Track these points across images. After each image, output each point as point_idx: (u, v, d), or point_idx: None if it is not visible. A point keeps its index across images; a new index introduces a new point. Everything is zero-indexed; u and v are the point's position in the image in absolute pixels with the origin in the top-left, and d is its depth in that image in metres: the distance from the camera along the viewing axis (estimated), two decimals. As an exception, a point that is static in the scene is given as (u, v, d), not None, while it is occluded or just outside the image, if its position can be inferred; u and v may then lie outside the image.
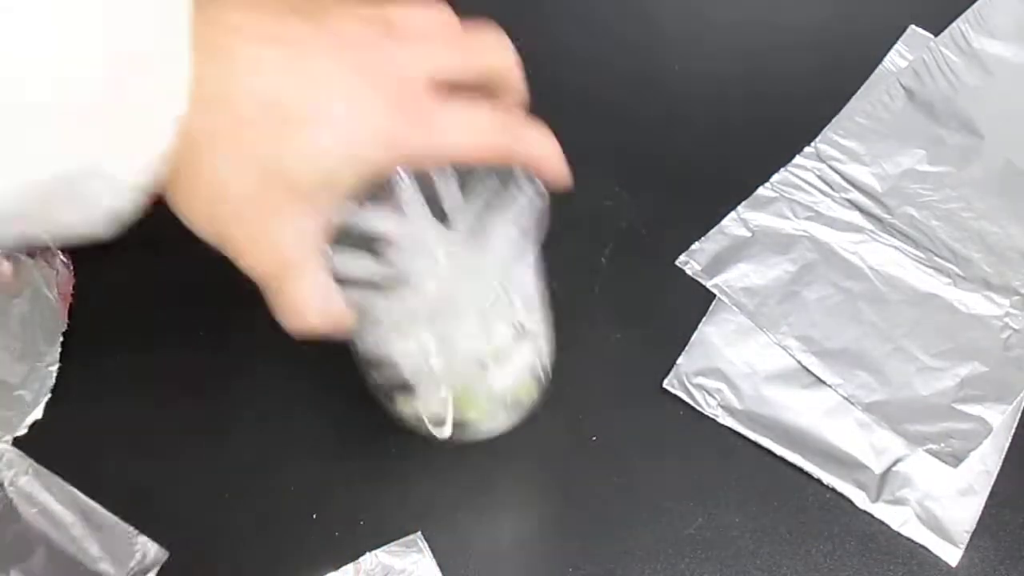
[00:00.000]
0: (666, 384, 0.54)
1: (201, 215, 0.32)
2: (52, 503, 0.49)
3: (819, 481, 0.51)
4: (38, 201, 0.28)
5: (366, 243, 0.40)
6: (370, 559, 0.47)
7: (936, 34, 0.69)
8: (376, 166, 0.33)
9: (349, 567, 0.47)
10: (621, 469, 0.52)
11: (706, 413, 0.53)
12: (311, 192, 0.32)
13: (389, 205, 0.39)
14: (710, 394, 0.54)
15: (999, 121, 0.64)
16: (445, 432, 0.47)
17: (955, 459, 0.51)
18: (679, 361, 0.55)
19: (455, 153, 0.35)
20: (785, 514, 0.50)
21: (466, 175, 0.40)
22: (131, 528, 0.48)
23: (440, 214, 0.41)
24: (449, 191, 0.40)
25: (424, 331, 0.40)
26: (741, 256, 0.59)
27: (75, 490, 0.49)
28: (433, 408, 0.47)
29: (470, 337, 0.44)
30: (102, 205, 0.30)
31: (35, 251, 0.57)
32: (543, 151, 0.39)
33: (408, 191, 0.39)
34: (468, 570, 0.48)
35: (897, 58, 0.68)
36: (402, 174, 0.38)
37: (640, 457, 0.52)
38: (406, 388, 0.47)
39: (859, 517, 0.50)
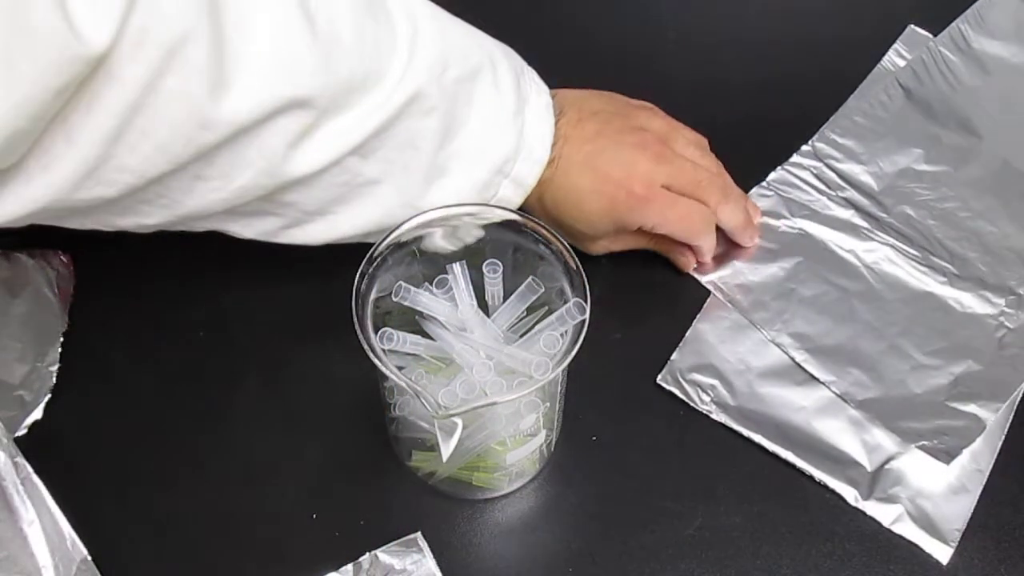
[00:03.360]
0: (660, 380, 0.54)
1: (543, 208, 0.56)
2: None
3: (811, 478, 0.51)
4: (478, 188, 0.52)
5: (418, 323, 0.47)
6: (370, 559, 0.47)
7: (935, 34, 0.69)
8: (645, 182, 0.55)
9: (349, 567, 0.47)
10: (621, 469, 0.52)
11: (699, 409, 0.53)
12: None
13: (443, 294, 0.47)
14: (704, 390, 0.54)
15: (997, 121, 0.64)
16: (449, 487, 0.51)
17: (948, 455, 0.52)
18: (673, 357, 0.55)
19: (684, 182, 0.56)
20: (785, 514, 0.50)
21: (515, 279, 0.47)
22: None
23: (485, 308, 0.48)
24: (495, 290, 0.47)
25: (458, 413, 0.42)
26: (736, 253, 0.60)
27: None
28: (444, 471, 0.49)
29: (499, 420, 0.46)
30: (501, 196, 0.53)
31: (35, 251, 0.57)
32: (735, 223, 0.58)
33: (460, 284, 0.46)
34: (468, 570, 0.48)
35: (896, 57, 0.68)
36: (456, 269, 0.46)
37: (640, 457, 0.52)
38: (424, 448, 0.49)
39: (855, 516, 0.50)
